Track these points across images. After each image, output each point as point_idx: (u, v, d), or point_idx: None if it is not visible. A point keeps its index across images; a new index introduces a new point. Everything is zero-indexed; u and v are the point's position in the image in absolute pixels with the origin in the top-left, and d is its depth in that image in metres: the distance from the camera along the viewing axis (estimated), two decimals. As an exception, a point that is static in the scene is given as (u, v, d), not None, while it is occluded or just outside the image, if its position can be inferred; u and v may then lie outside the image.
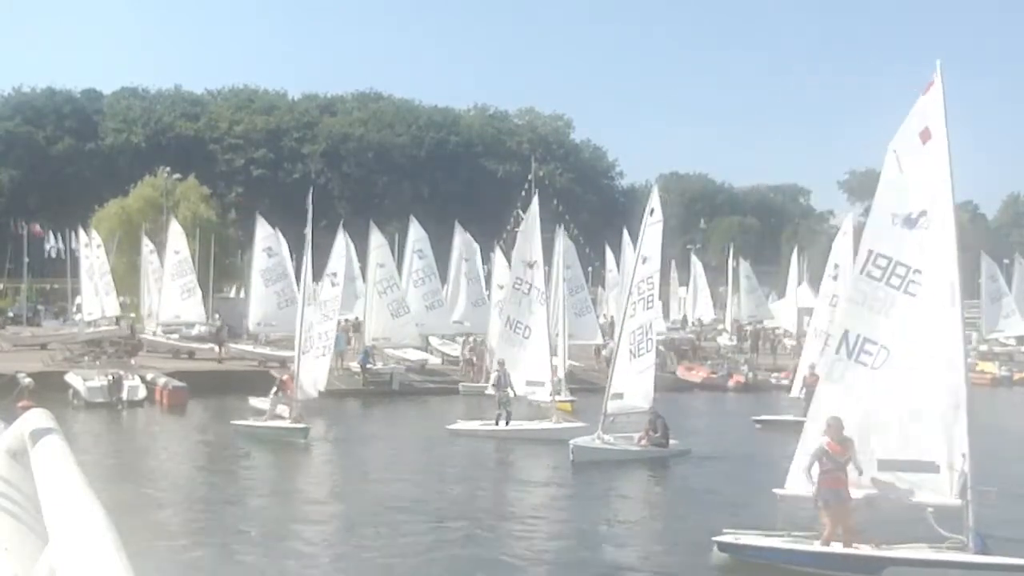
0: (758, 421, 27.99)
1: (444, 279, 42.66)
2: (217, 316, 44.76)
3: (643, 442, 22.33)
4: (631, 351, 22.81)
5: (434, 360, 40.09)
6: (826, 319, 28.21)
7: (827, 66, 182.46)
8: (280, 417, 24.99)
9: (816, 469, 12.89)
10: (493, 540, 15.38)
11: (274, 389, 25.70)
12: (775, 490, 13.92)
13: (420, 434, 26.74)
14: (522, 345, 27.15)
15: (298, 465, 22.65)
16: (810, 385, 26.57)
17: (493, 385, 26.89)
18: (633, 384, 22.75)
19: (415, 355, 39.05)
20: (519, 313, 27.58)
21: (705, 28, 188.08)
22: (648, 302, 23.08)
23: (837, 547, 12.81)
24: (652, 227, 23.18)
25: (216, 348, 39.03)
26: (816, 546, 12.96)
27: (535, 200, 29.24)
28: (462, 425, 26.67)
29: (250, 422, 25.51)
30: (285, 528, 15.86)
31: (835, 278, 29.30)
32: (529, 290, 27.52)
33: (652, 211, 23.32)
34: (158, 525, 15.06)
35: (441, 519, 16.48)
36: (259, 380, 30.06)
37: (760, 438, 26.46)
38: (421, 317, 38.77)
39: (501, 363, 26.85)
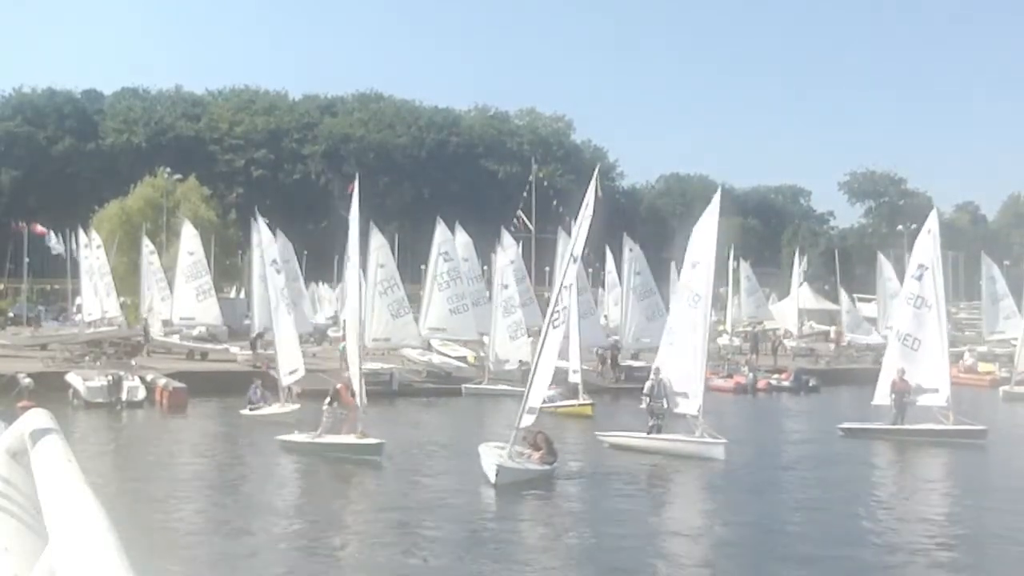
0: (843, 429, 26.40)
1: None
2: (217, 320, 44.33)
3: (534, 457, 19.97)
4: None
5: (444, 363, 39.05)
6: (909, 321, 27.18)
7: (827, 67, 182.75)
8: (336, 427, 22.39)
9: None
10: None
11: (327, 399, 22.72)
12: None
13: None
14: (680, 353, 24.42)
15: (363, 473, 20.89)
16: (899, 391, 26.02)
17: (645, 395, 24.23)
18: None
19: (439, 360, 38.66)
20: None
21: (705, 29, 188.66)
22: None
23: None
24: (586, 222, 21.51)
25: (251, 353, 37.23)
26: None
27: (716, 198, 25.17)
28: (610, 436, 24.30)
29: (302, 438, 22.37)
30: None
31: (919, 279, 27.11)
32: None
33: (586, 205, 21.79)
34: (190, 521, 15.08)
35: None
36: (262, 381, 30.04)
37: (849, 447, 24.62)
38: (445, 321, 38.46)
39: (656, 371, 24.39)
